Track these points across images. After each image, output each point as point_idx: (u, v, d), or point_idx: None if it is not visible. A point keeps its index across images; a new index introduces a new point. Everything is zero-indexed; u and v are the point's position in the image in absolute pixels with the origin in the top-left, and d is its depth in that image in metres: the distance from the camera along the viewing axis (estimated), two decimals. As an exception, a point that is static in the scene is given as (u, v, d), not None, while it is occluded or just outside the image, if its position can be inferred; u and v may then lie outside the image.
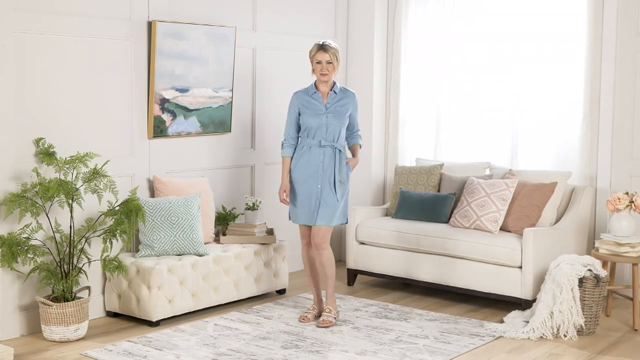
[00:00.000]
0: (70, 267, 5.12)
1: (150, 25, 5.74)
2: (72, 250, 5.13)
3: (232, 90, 6.30)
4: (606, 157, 6.20)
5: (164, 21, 5.74)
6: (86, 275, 5.29)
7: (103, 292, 5.60)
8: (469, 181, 6.20)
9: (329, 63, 5.36)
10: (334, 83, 5.49)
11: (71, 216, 5.14)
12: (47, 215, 5.13)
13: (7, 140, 5.00)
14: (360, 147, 5.62)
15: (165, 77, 5.81)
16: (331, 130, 5.40)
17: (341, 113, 5.42)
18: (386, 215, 6.76)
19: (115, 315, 5.59)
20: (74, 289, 5.19)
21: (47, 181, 5.00)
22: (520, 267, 5.66)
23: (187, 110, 6.01)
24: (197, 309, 5.60)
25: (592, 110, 6.23)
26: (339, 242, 7.44)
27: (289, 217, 5.57)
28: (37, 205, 5.00)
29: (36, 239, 5.10)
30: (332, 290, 5.52)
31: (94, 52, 5.46)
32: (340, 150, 5.42)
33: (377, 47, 7.26)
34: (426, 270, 6.10)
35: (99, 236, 5.28)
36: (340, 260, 7.48)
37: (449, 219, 6.25)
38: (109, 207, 5.29)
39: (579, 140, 6.29)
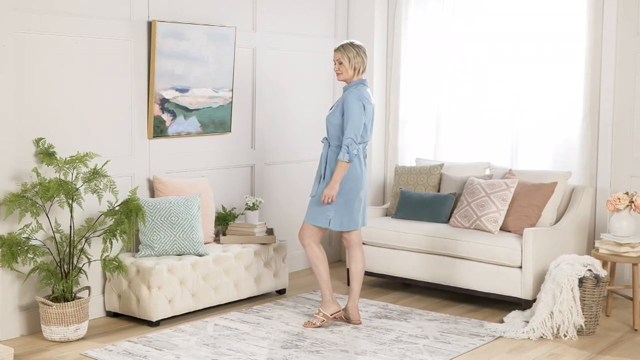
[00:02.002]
0: (70, 267, 5.12)
1: (150, 25, 5.74)
2: (72, 250, 5.13)
3: (232, 90, 6.30)
4: (606, 157, 6.20)
5: (164, 21, 5.74)
6: (86, 275, 5.29)
7: (103, 292, 5.60)
8: (469, 181, 6.20)
9: (340, 63, 5.36)
10: (357, 82, 5.35)
11: (71, 216, 5.14)
12: (47, 215, 5.13)
13: (7, 140, 5.00)
14: (348, 161, 5.21)
15: (165, 77, 5.81)
16: (327, 127, 5.41)
17: (331, 112, 5.39)
18: (386, 215, 6.76)
19: (115, 315, 5.59)
20: (74, 289, 5.19)
21: (47, 181, 5.00)
22: (520, 267, 5.66)
23: (187, 110, 6.01)
24: (197, 309, 5.60)
25: (592, 110, 6.23)
26: (339, 242, 7.44)
27: None
28: (37, 205, 5.00)
29: (36, 239, 5.10)
30: (322, 292, 5.47)
31: (94, 52, 5.46)
32: (333, 147, 5.35)
33: (377, 47, 7.26)
34: (426, 270, 6.10)
35: (99, 236, 5.28)
36: (340, 260, 7.49)
37: (449, 219, 6.25)
38: (109, 207, 5.29)
39: (579, 140, 6.29)
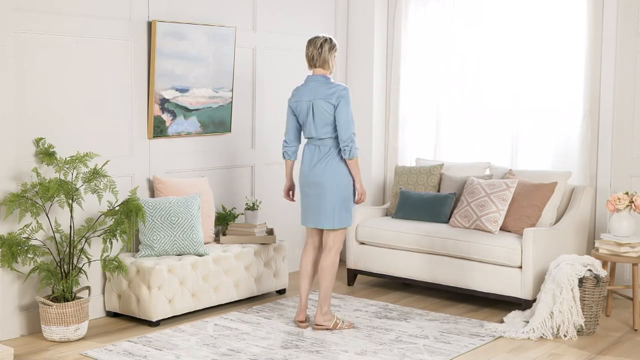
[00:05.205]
0: (70, 267, 5.12)
1: (150, 25, 5.74)
2: (72, 250, 5.13)
3: (232, 90, 6.30)
4: (606, 157, 6.20)
5: (164, 21, 5.74)
6: (86, 275, 5.29)
7: (103, 292, 5.60)
8: (469, 181, 6.20)
9: None
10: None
11: (71, 216, 5.14)
12: (47, 215, 5.13)
13: (7, 140, 5.00)
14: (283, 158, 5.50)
15: (165, 77, 5.81)
16: None
17: None
18: (386, 215, 6.76)
19: (115, 315, 5.59)
20: (74, 289, 5.19)
21: (47, 181, 5.00)
22: (520, 267, 5.66)
23: (187, 110, 6.01)
24: (197, 309, 5.60)
25: (592, 110, 6.23)
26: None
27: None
28: (37, 205, 5.00)
29: (36, 239, 5.10)
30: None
31: (94, 52, 5.47)
32: None
33: (377, 47, 7.26)
34: (426, 270, 6.10)
35: (99, 236, 5.29)
36: (340, 260, 7.47)
37: (449, 219, 6.25)
38: (109, 207, 5.29)
39: (579, 140, 6.29)
